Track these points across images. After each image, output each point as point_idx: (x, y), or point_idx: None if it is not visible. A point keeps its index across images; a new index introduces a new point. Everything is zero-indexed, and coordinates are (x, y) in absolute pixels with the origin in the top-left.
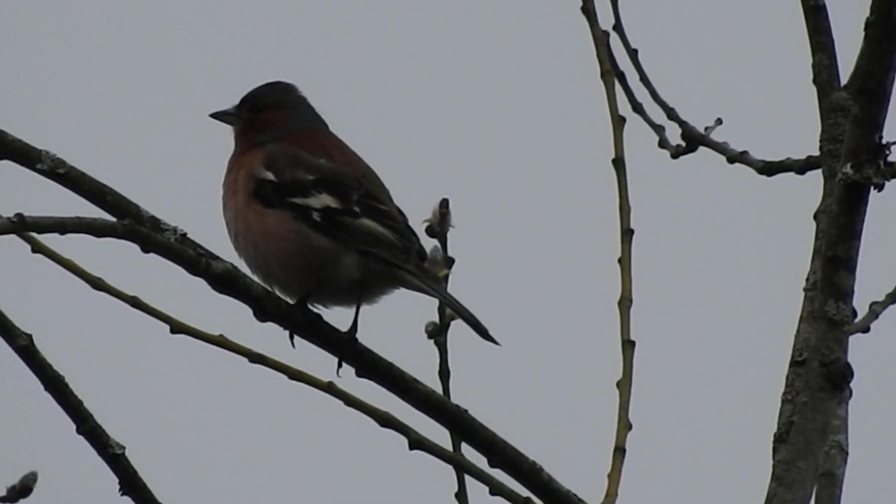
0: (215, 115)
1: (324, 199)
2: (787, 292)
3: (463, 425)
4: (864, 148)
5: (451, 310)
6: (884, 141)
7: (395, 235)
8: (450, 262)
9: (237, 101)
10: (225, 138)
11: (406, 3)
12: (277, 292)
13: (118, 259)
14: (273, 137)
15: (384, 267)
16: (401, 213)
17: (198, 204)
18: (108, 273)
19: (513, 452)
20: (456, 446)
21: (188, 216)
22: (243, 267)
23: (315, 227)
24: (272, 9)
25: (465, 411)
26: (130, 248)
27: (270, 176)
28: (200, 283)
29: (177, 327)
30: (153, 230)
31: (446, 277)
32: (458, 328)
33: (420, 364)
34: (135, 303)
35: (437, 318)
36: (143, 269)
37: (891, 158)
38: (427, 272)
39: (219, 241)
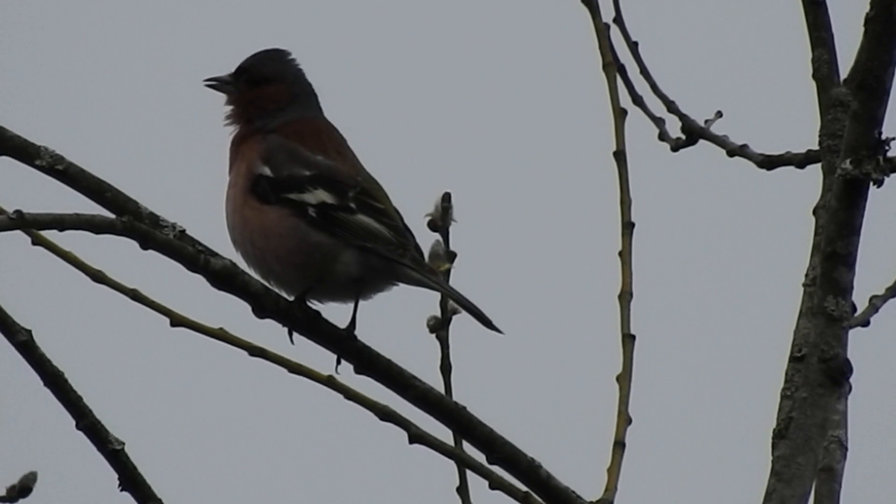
0: (210, 83)
1: (319, 195)
2: (786, 288)
3: (461, 422)
4: (864, 143)
5: (454, 301)
6: (883, 136)
7: (390, 232)
8: (452, 256)
9: (232, 70)
10: (221, 133)
11: None
12: (275, 287)
13: (117, 256)
14: (276, 120)
15: (384, 263)
16: (397, 212)
17: (197, 200)
18: (107, 268)
19: (511, 449)
20: (458, 441)
21: (187, 212)
22: (241, 262)
23: (312, 224)
24: (271, 2)
25: (464, 408)
26: (129, 245)
27: (267, 171)
28: (200, 279)
29: (177, 320)
30: (152, 227)
31: (448, 272)
32: (459, 323)
33: (421, 359)
34: (135, 296)
35: (438, 313)
36: (142, 266)
37: (890, 154)
38: (424, 266)
39: (218, 238)
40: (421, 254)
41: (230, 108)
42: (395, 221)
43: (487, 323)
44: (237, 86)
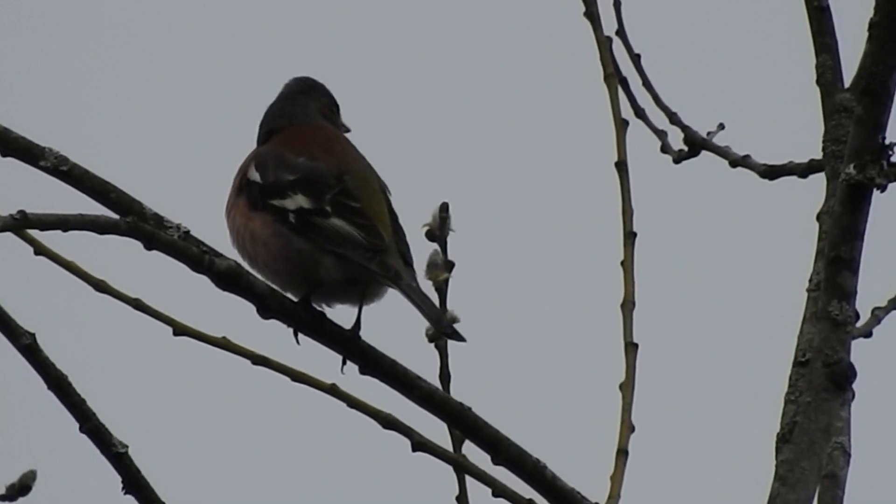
0: None
1: (298, 200)
2: (790, 293)
3: (467, 422)
4: (868, 148)
5: (413, 304)
6: (887, 142)
7: (361, 233)
8: (450, 265)
9: None
10: (226, 134)
11: (410, 6)
12: (281, 291)
13: (122, 255)
14: (263, 136)
15: (359, 267)
16: (389, 207)
17: (202, 201)
18: (111, 269)
19: (516, 450)
20: (457, 447)
21: (192, 214)
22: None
23: (293, 230)
24: (278, 8)
25: (469, 409)
26: (134, 245)
27: (257, 177)
28: (204, 279)
29: (180, 330)
30: (156, 227)
31: (446, 281)
32: (460, 331)
33: (422, 368)
34: (138, 305)
35: None
36: (146, 266)
37: (894, 159)
38: (390, 268)
39: (222, 239)
40: (408, 250)
41: None
42: (370, 220)
43: (445, 331)
44: None
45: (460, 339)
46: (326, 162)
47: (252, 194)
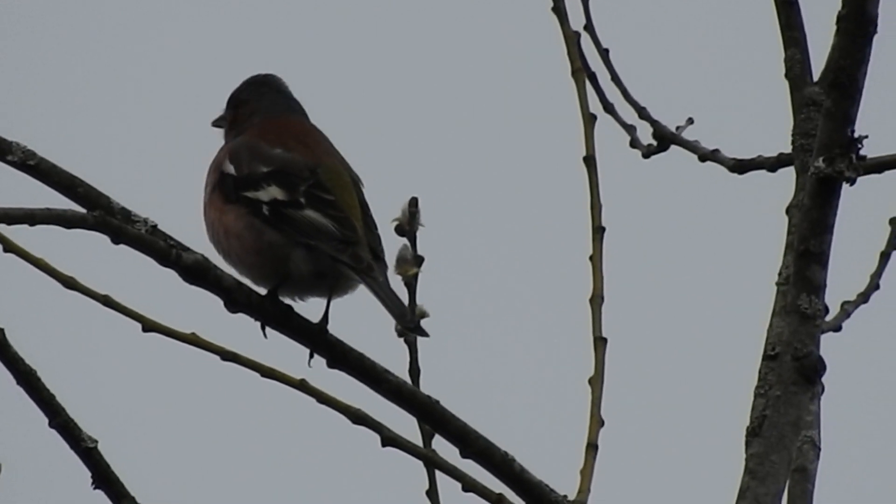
0: (213, 123)
1: (272, 192)
2: (759, 287)
3: (435, 416)
4: (837, 142)
5: (377, 298)
6: (856, 135)
7: (335, 225)
8: (419, 260)
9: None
10: (194, 128)
11: (378, 3)
12: (251, 285)
13: (90, 250)
14: (246, 127)
15: (330, 260)
16: (361, 201)
17: (170, 195)
18: (80, 263)
19: (485, 443)
20: (427, 442)
21: (160, 208)
22: (216, 258)
23: (266, 222)
24: (247, 2)
25: (437, 402)
26: (101, 239)
27: (231, 170)
28: (172, 273)
29: (149, 326)
30: (124, 221)
31: (416, 276)
32: (430, 326)
33: (392, 362)
34: (107, 302)
35: None
36: (115, 260)
37: (863, 152)
38: (362, 261)
39: (190, 233)
40: (379, 244)
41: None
42: (344, 213)
43: (409, 327)
44: (226, 117)
45: (424, 334)
46: (301, 154)
47: (226, 187)
